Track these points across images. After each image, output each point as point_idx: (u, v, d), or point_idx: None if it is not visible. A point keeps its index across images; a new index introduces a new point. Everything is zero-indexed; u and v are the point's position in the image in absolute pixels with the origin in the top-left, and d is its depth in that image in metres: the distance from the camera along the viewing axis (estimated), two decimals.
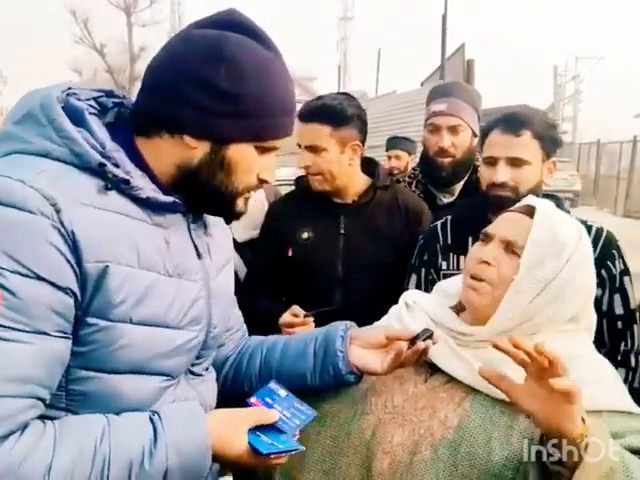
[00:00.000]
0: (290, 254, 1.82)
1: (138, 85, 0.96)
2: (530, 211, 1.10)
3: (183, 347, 0.93)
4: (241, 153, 0.91)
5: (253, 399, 0.99)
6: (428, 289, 1.70)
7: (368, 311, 1.75)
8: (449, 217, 1.73)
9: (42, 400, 0.80)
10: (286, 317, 1.66)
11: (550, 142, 1.57)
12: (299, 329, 1.57)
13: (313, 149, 1.75)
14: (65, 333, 0.81)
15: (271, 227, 1.89)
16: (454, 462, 0.96)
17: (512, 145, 1.53)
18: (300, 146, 1.79)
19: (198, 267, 0.97)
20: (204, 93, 0.87)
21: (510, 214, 1.14)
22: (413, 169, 2.23)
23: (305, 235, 1.81)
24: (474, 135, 2.04)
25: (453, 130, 2.00)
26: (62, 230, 0.78)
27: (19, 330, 0.76)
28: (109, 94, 0.96)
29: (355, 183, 1.83)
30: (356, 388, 1.10)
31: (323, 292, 1.77)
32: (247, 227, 1.97)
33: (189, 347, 0.95)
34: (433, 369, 1.08)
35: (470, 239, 1.62)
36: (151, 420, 0.86)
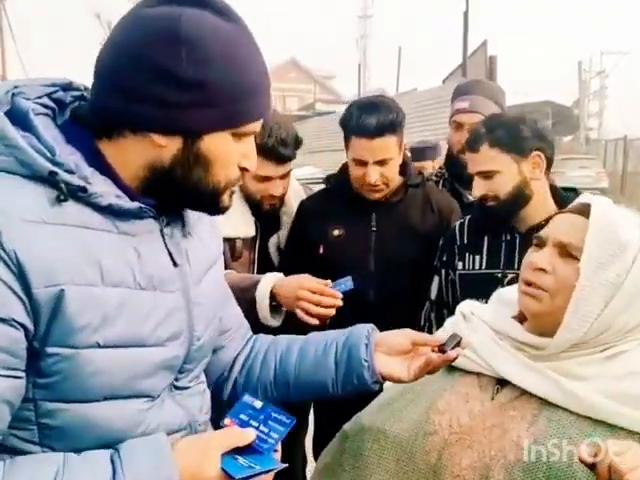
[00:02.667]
0: (321, 251, 1.81)
1: None
2: (586, 210, 1.01)
3: (163, 364, 0.84)
4: (217, 144, 0.82)
5: (227, 420, 0.91)
6: (448, 290, 1.71)
7: (400, 308, 1.75)
8: (467, 217, 1.73)
9: None
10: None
11: (515, 142, 1.53)
12: (327, 307, 1.49)
13: (383, 161, 1.72)
14: (13, 369, 0.72)
15: (300, 226, 1.87)
16: None
17: (475, 161, 1.58)
18: (360, 161, 1.73)
19: (175, 276, 0.87)
20: (165, 84, 0.76)
21: (563, 215, 1.07)
22: (440, 167, 2.23)
23: (336, 232, 1.80)
24: None
25: None
26: (3, 255, 0.69)
27: None
28: (66, 87, 0.85)
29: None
30: (415, 406, 1.05)
31: (355, 289, 1.76)
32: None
33: (169, 364, 0.86)
34: (500, 384, 1.03)
35: (486, 239, 1.63)
36: (111, 461, 0.76)
